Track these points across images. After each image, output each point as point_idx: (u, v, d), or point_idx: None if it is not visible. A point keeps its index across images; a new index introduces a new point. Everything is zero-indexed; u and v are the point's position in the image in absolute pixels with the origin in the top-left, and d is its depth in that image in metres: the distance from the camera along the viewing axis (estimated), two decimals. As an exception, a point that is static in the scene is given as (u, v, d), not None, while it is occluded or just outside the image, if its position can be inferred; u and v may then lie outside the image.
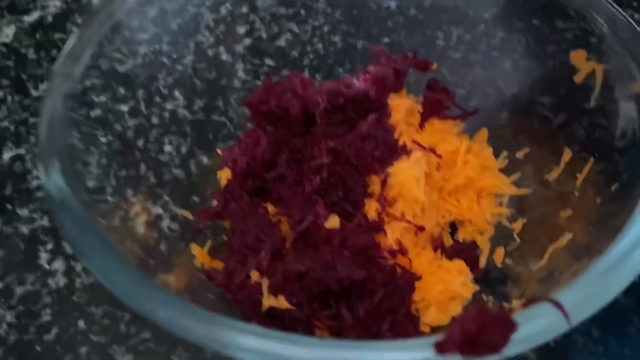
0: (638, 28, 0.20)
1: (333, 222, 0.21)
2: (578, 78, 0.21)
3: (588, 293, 0.13)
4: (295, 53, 0.31)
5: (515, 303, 0.18)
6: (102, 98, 0.25)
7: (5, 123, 0.32)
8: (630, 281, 0.14)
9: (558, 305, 0.12)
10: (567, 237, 0.18)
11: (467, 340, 0.12)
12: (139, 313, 0.15)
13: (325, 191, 0.22)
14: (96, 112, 0.24)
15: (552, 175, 0.21)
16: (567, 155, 0.21)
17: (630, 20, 0.20)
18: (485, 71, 0.29)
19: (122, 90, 0.26)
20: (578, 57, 0.21)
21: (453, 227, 0.24)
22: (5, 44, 0.36)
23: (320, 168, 0.21)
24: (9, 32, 0.37)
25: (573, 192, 0.20)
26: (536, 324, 0.13)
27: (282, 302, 0.19)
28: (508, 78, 0.28)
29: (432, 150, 0.23)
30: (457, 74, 0.29)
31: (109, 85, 0.25)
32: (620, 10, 0.21)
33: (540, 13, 0.26)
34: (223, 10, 0.30)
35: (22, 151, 0.31)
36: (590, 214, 0.18)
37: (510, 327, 0.12)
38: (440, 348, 0.12)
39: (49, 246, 0.27)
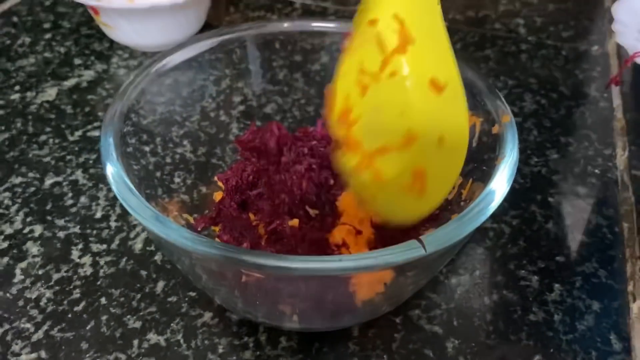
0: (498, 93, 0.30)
1: (294, 222, 0.29)
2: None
3: (440, 237, 0.22)
4: (278, 117, 0.41)
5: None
6: (132, 140, 0.33)
7: (48, 159, 0.41)
8: (465, 234, 0.22)
9: (420, 241, 0.21)
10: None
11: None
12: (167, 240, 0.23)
13: (290, 205, 0.30)
14: (129, 149, 0.32)
15: (451, 194, 0.31)
16: (458, 180, 0.30)
17: (495, 89, 0.30)
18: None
19: (145, 137, 0.35)
20: None
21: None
22: (49, 102, 0.46)
23: (287, 187, 0.30)
24: (52, 92, 0.47)
25: (460, 200, 0.29)
26: (404, 247, 0.21)
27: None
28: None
29: None
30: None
31: (137, 132, 0.34)
32: (486, 81, 0.30)
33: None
34: (223, 84, 0.40)
35: (60, 179, 0.39)
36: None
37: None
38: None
39: (80, 246, 0.35)
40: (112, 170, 0.26)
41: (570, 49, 0.54)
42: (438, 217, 0.31)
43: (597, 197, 0.39)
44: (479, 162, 0.30)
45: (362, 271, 0.22)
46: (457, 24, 0.58)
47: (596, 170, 0.41)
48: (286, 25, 0.37)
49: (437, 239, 0.22)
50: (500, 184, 0.24)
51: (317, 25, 0.38)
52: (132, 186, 0.26)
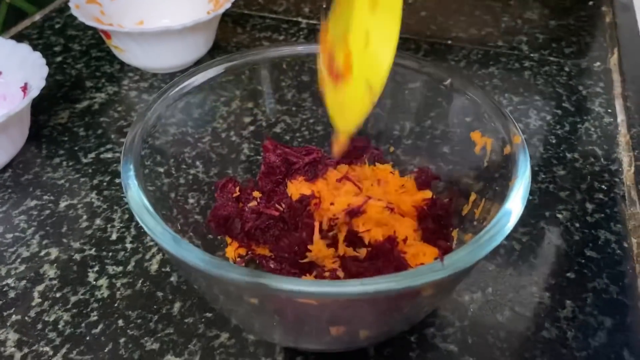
0: (509, 115, 0.30)
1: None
2: (477, 149, 0.32)
3: (458, 258, 0.22)
4: (287, 137, 0.42)
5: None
6: (148, 162, 0.34)
7: (62, 181, 0.41)
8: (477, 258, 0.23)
9: (441, 259, 0.22)
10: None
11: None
12: (179, 259, 0.23)
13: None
14: (146, 171, 0.33)
15: (465, 210, 0.31)
16: (473, 196, 0.31)
17: (505, 110, 0.31)
18: (429, 153, 0.38)
19: (159, 158, 0.35)
20: (475, 136, 0.32)
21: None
22: (61, 124, 0.47)
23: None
24: (64, 115, 0.48)
25: (473, 219, 0.29)
26: (428, 267, 0.22)
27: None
28: (445, 158, 0.38)
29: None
30: (408, 155, 0.39)
31: (152, 154, 0.34)
32: (496, 102, 0.31)
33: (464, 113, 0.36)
34: (234, 105, 0.40)
35: (74, 202, 0.40)
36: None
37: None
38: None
39: (96, 268, 0.35)
40: (133, 195, 0.26)
41: (573, 65, 0.55)
42: (449, 235, 0.31)
43: (605, 213, 0.39)
44: (490, 181, 0.30)
45: (381, 295, 0.22)
46: (461, 42, 0.59)
47: (603, 186, 0.41)
48: (300, 48, 0.38)
49: (456, 261, 0.22)
50: (515, 205, 0.24)
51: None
52: (152, 210, 0.26)
